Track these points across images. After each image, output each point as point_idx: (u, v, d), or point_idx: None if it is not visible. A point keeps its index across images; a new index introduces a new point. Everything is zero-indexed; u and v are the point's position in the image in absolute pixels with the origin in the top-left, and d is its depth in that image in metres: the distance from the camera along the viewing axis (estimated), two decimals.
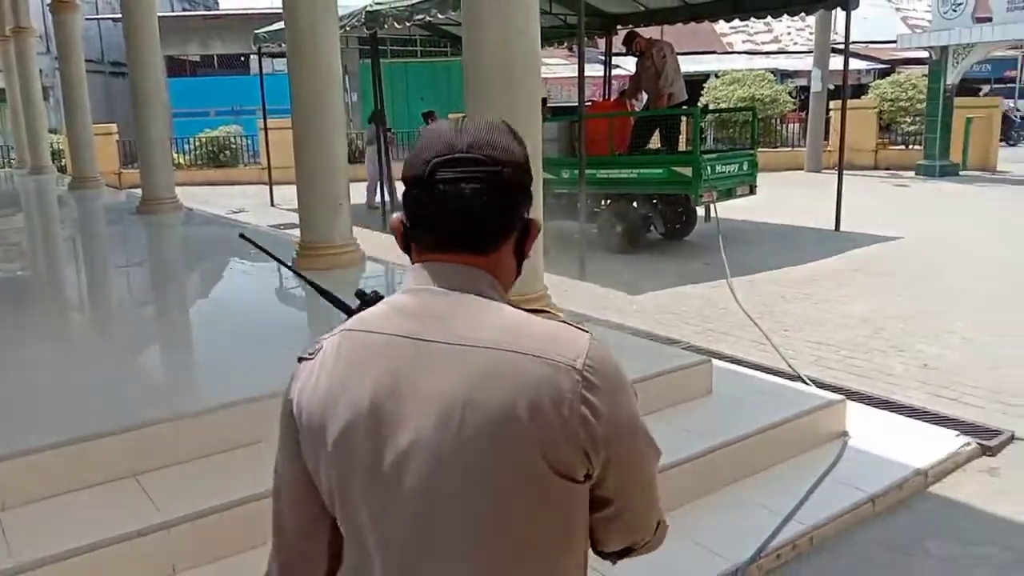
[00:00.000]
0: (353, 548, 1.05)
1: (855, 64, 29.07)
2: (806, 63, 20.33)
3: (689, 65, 27.16)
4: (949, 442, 4.08)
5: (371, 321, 1.04)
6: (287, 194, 16.83)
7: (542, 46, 13.15)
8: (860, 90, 22.40)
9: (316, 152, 5.74)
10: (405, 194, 1.05)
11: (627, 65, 19.49)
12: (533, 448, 0.93)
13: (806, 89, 18.74)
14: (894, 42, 18.53)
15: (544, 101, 16.17)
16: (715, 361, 4.45)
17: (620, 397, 0.98)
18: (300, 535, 1.11)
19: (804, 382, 4.77)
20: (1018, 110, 28.63)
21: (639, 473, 1.04)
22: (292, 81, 5.76)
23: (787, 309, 6.75)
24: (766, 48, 31.29)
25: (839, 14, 33.37)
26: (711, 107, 18.41)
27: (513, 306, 1.02)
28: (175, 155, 20.05)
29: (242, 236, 1.62)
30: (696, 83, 20.98)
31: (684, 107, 9.82)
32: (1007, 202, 13.03)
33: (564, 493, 0.97)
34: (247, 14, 25.59)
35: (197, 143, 20.06)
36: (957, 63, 15.92)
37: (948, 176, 16.12)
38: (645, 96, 10.17)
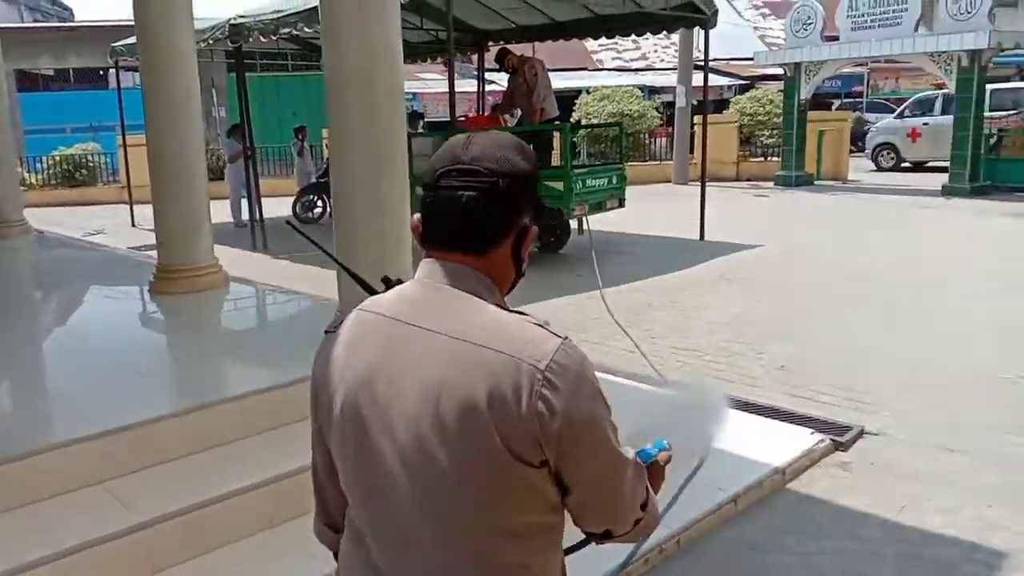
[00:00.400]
0: (354, 510, 1.22)
1: (717, 80, 30.46)
2: (672, 79, 21.13)
3: (561, 82, 27.80)
4: (804, 440, 4.29)
5: (378, 303, 1.22)
6: (149, 213, 16.12)
7: (415, 61, 13.10)
8: (723, 105, 23.48)
9: (173, 170, 5.49)
10: (422, 198, 1.20)
11: (502, 81, 19.78)
12: (492, 432, 1.06)
13: (673, 104, 19.45)
14: (752, 59, 19.48)
15: (420, 116, 16.20)
16: None
17: (579, 399, 1.09)
18: (340, 501, 1.27)
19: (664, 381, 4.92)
20: (868, 122, 30.80)
21: (595, 470, 1.15)
22: (146, 96, 5.50)
23: (656, 317, 6.97)
24: (634, 65, 32.39)
25: (701, 32, 34.72)
26: (582, 122, 18.82)
27: (504, 308, 1.17)
28: (26, 175, 18.82)
29: (288, 223, 2.06)
30: (568, 99, 21.47)
31: (556, 122, 9.98)
32: (856, 209, 13.93)
33: (524, 473, 1.09)
34: (103, 26, 24.35)
35: (50, 162, 18.87)
36: (809, 79, 16.91)
37: (804, 186, 17.08)
38: (519, 112, 10.29)
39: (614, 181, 9.63)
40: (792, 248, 10.03)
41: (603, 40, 35.08)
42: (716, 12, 10.11)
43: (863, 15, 15.61)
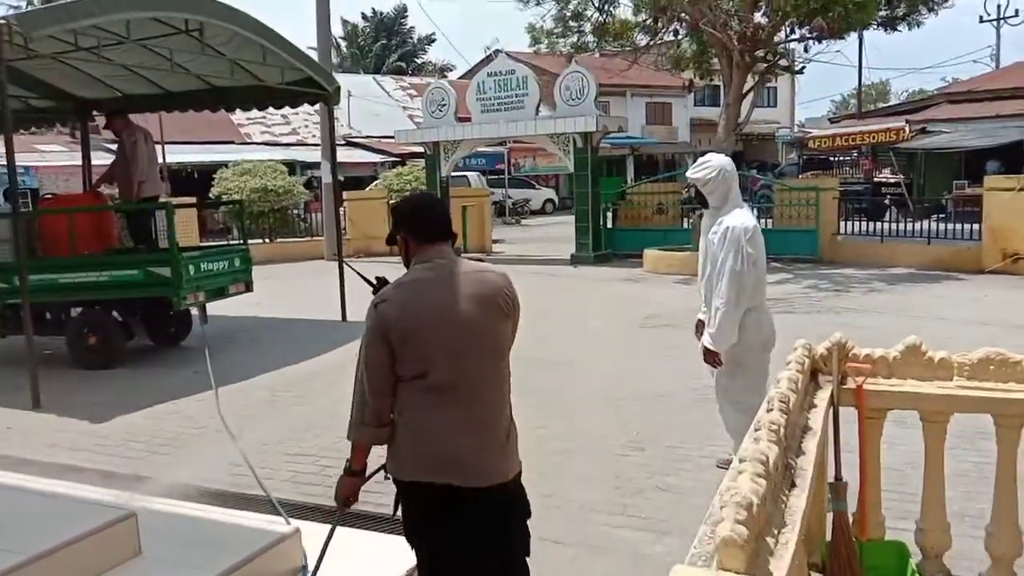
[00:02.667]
0: (432, 376, 2.52)
1: (370, 157, 30.90)
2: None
3: (204, 155, 26.31)
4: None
5: (415, 274, 2.61)
6: None
7: (16, 131, 11.21)
8: (373, 180, 23.64)
9: None
10: (413, 220, 2.68)
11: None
12: (505, 312, 2.62)
13: None
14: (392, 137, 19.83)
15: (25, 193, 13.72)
16: (161, 506, 3.70)
17: (517, 295, 2.70)
18: (387, 392, 2.57)
19: (278, 511, 4.23)
20: (510, 197, 33.03)
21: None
22: None
23: (274, 416, 6.25)
24: (284, 140, 31.72)
25: (347, 108, 34.94)
26: (224, 199, 17.72)
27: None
28: None
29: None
30: (207, 174, 20.20)
31: (158, 200, 8.91)
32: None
33: (509, 328, 2.68)
34: None
35: None
36: (448, 156, 17.52)
37: None
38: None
39: (237, 264, 8.80)
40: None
41: (252, 113, 34.13)
42: (338, 88, 9.88)
43: (490, 99, 16.58)
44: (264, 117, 34.01)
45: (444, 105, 17.28)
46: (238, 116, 33.46)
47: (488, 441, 2.59)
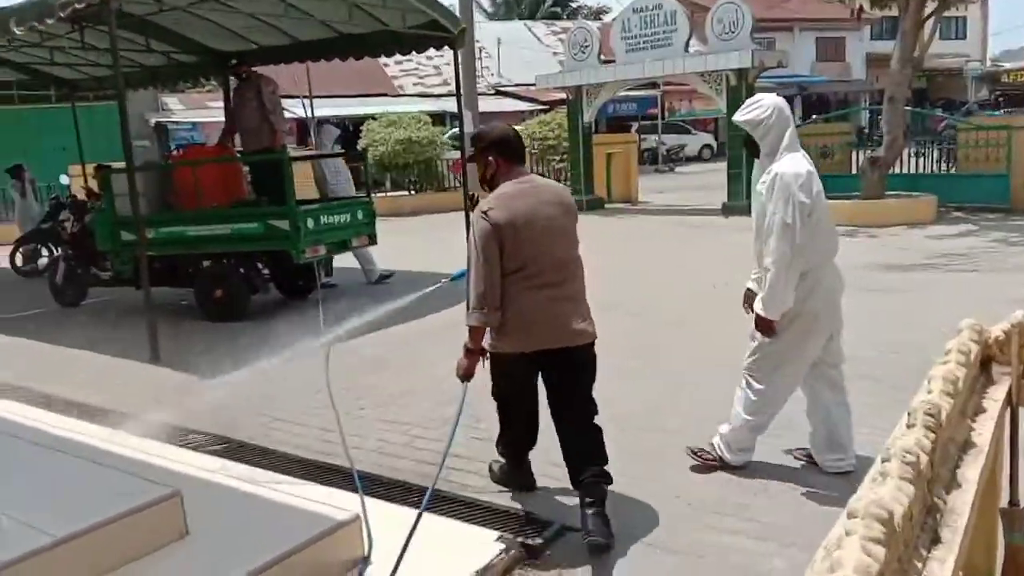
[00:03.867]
0: (530, 267, 3.34)
1: (518, 105, 30.43)
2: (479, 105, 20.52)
3: (357, 108, 26.74)
4: (488, 549, 3.38)
5: (508, 188, 3.41)
6: None
7: (157, 87, 11.48)
8: None
9: None
10: (504, 144, 3.50)
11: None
12: (573, 212, 3.55)
13: None
14: (535, 84, 19.22)
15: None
16: (213, 482, 3.43)
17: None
18: (499, 282, 3.32)
19: (357, 486, 3.89)
20: (663, 143, 31.67)
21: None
22: None
23: (380, 379, 5.93)
24: (436, 91, 31.75)
25: (492, 55, 34.60)
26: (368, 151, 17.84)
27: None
28: None
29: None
30: (359, 127, 20.41)
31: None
32: (644, 231, 13.69)
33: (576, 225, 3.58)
34: None
35: None
36: (591, 102, 16.71)
37: (595, 210, 16.83)
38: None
39: (360, 217, 8.59)
40: None
41: (406, 64, 34.48)
42: (463, 31, 9.36)
43: (636, 37, 15.55)
44: (417, 68, 34.27)
45: (587, 46, 16.43)
46: (391, 68, 33.97)
47: (577, 310, 3.48)
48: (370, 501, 3.55)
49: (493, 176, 3.47)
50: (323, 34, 10.03)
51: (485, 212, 3.31)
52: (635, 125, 30.33)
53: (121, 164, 7.29)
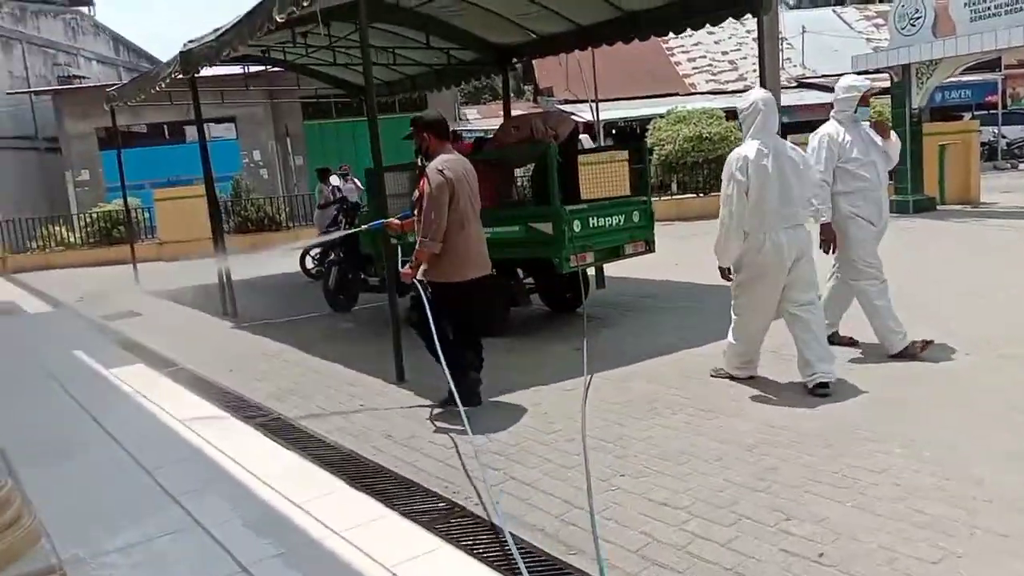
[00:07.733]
0: (460, 212, 4.89)
1: (823, 97, 27.35)
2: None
3: (647, 109, 25.55)
4: None
5: (445, 157, 4.92)
6: (167, 270, 14.85)
7: (435, 89, 11.12)
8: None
9: None
10: (437, 126, 5.05)
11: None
12: (474, 176, 5.15)
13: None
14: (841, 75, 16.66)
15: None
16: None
17: None
18: (445, 221, 4.79)
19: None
20: (1004, 136, 26.87)
21: None
22: None
23: (650, 427, 4.57)
24: (731, 87, 29.63)
25: (796, 47, 31.61)
26: (653, 149, 16.57)
27: None
28: (65, 233, 18.14)
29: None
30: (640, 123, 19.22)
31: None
32: (997, 241, 10.96)
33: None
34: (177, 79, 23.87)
35: (88, 219, 18.12)
36: (922, 84, 14.01)
37: (924, 212, 14.11)
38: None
39: (636, 219, 7.30)
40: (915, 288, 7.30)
41: (699, 62, 32.71)
42: None
43: (985, 2, 12.66)
44: (710, 65, 32.43)
45: (918, 18, 13.77)
46: (683, 66, 32.44)
47: (484, 247, 5.14)
48: None
49: (427, 149, 5.01)
50: (604, 15, 8.92)
51: (440, 170, 4.78)
52: (967, 115, 25.96)
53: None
